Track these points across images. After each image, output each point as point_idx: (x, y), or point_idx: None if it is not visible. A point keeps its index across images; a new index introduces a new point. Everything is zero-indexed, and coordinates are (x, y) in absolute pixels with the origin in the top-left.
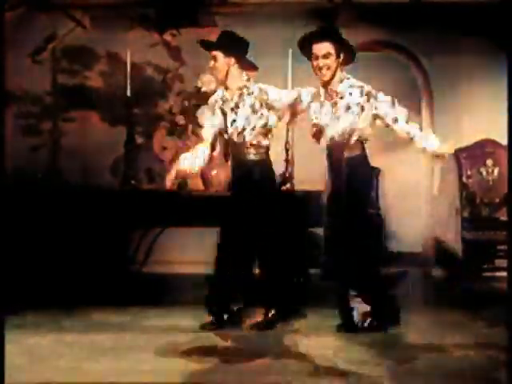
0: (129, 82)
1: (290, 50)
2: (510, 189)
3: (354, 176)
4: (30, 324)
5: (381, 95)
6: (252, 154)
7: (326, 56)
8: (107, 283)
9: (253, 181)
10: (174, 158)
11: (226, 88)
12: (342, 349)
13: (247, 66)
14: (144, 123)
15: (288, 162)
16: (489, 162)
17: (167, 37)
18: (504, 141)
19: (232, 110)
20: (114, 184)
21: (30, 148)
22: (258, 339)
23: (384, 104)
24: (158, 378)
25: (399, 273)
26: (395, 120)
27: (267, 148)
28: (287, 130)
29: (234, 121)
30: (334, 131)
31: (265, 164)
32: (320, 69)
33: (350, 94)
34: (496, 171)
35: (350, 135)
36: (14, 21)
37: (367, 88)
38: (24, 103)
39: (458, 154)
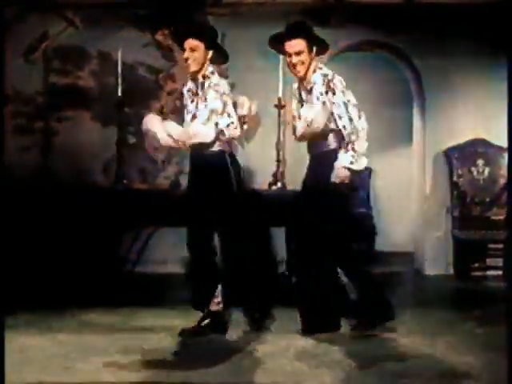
0: (120, 81)
1: None
2: (510, 188)
3: (313, 172)
4: (21, 324)
5: (339, 92)
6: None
7: (298, 53)
8: (100, 283)
9: (206, 174)
10: (167, 158)
11: (194, 79)
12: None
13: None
14: (136, 123)
15: (279, 161)
16: (480, 161)
17: (159, 37)
18: (495, 140)
19: (192, 100)
20: (106, 184)
21: (22, 148)
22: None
23: (339, 105)
24: (150, 379)
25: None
26: (344, 127)
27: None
28: (279, 130)
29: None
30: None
31: (221, 157)
32: (294, 65)
33: (315, 83)
34: (487, 171)
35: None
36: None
37: (330, 77)
38: (15, 103)
39: (449, 153)
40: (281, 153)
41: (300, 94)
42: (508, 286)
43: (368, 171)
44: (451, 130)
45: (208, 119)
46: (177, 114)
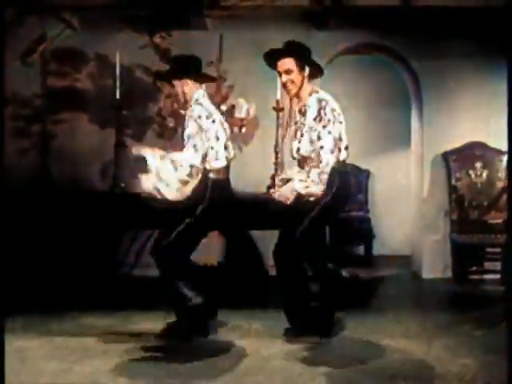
0: (118, 84)
1: None
2: (510, 191)
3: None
4: (19, 327)
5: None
6: None
7: (287, 72)
8: (97, 286)
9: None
10: None
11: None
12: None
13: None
14: (134, 126)
15: (277, 164)
16: (478, 164)
17: (157, 39)
18: (493, 143)
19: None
20: (104, 186)
21: (20, 150)
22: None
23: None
24: (147, 381)
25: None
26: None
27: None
28: (277, 132)
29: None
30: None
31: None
32: (284, 84)
33: (309, 107)
34: (485, 174)
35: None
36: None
37: (324, 104)
38: (13, 105)
39: (447, 156)
40: (279, 155)
41: (293, 114)
42: (507, 289)
43: (366, 174)
44: (449, 133)
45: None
46: (175, 116)
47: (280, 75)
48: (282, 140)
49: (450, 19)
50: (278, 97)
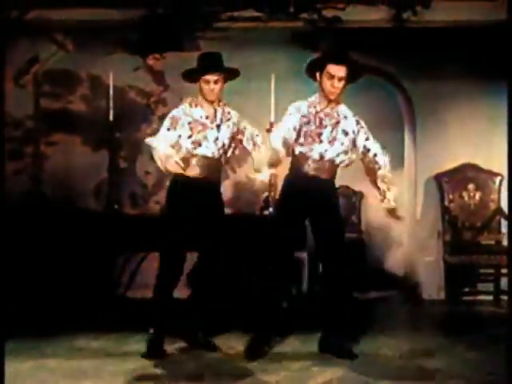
0: (111, 105)
1: (273, 75)
2: (510, 205)
3: (333, 200)
4: (11, 349)
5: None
6: None
7: (341, 79)
8: (91, 307)
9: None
10: (157, 183)
11: None
12: None
13: None
14: (127, 147)
15: (272, 185)
16: (470, 186)
17: (150, 61)
18: (485, 165)
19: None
20: (98, 208)
21: (12, 172)
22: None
23: (371, 140)
24: None
25: None
26: (375, 155)
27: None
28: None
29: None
30: (327, 152)
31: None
32: (333, 88)
33: (345, 117)
34: (478, 195)
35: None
36: None
37: (359, 120)
38: (6, 127)
39: (440, 178)
40: (273, 177)
41: (320, 119)
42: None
43: (359, 195)
44: (442, 155)
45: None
46: None
47: (330, 78)
48: None
49: (444, 41)
50: (272, 119)
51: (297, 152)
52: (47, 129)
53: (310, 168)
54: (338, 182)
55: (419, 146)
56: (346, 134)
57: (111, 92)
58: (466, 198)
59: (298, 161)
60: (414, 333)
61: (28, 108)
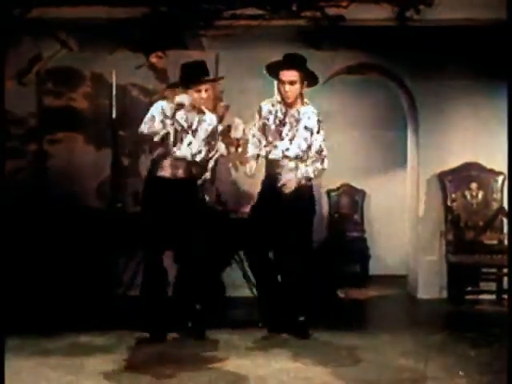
0: (114, 103)
1: None
2: (510, 205)
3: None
4: (13, 347)
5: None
6: None
7: (292, 82)
8: (92, 305)
9: None
10: None
11: None
12: None
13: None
14: (130, 145)
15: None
16: (473, 185)
17: (153, 59)
18: (488, 164)
19: None
20: (100, 206)
21: (15, 170)
22: None
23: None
24: None
25: None
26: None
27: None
28: None
29: None
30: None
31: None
32: (285, 92)
33: (309, 117)
34: (480, 194)
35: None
36: None
37: (321, 119)
38: (8, 125)
39: (442, 177)
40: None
41: (283, 118)
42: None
43: (362, 194)
44: (445, 154)
45: None
46: None
47: (282, 84)
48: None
49: (447, 40)
50: None
51: (263, 152)
52: (50, 127)
53: (274, 166)
54: (340, 181)
55: (422, 145)
56: (307, 130)
57: (114, 90)
58: (469, 197)
59: (267, 160)
60: (416, 331)
61: (31, 106)
